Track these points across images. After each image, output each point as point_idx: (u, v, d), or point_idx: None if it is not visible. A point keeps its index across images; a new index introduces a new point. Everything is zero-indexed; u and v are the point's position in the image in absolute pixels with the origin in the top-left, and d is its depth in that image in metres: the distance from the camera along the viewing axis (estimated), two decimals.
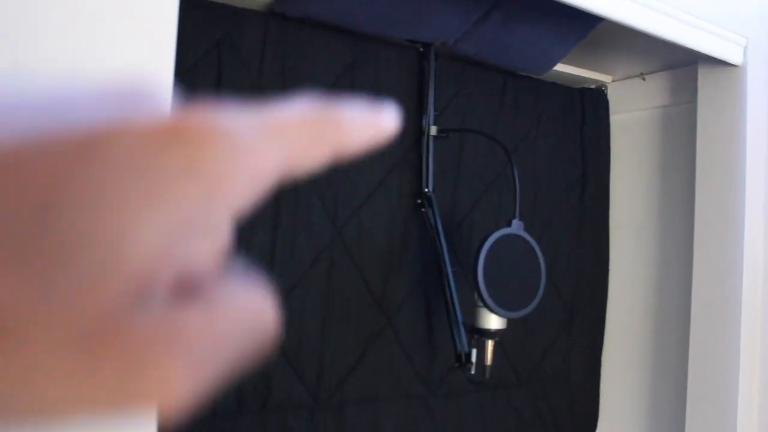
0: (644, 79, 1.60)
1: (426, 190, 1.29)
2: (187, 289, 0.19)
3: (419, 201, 1.29)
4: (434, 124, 1.30)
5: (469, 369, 1.16)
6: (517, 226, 1.13)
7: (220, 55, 1.11)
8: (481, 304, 1.11)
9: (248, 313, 0.20)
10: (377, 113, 0.24)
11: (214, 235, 0.20)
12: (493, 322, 1.14)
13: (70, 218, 0.16)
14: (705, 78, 1.40)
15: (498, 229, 1.11)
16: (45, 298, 0.16)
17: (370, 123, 0.23)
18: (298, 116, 0.21)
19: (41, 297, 0.15)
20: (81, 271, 0.16)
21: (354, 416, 1.24)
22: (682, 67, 1.52)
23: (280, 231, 1.16)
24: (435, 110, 1.32)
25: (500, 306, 1.09)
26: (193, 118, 0.18)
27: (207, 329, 0.18)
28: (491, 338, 1.15)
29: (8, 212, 0.16)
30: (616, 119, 1.66)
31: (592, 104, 1.63)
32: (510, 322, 1.40)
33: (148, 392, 0.17)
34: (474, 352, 1.16)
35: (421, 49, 1.32)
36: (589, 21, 1.28)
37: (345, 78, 1.24)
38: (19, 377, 0.16)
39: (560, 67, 1.53)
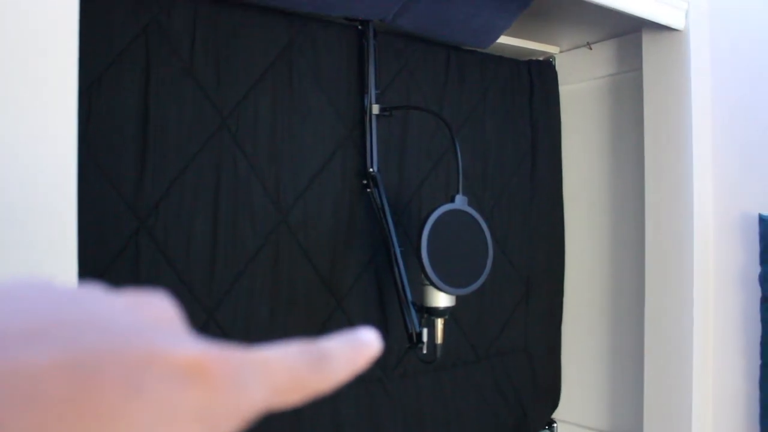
0: (590, 49, 1.58)
1: (371, 169, 1.27)
2: None
3: (365, 181, 1.27)
4: (376, 103, 1.28)
5: (421, 349, 1.14)
6: (460, 201, 1.11)
7: (147, 41, 1.07)
8: (427, 282, 1.09)
9: None
10: (359, 345, 0.26)
11: None
12: (442, 300, 1.12)
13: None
14: (649, 44, 1.39)
15: (441, 205, 1.09)
16: None
17: (353, 357, 0.25)
18: (287, 359, 0.23)
19: None
20: None
21: (308, 402, 1.22)
22: (627, 34, 1.52)
23: (220, 218, 1.13)
24: (377, 88, 1.29)
25: (447, 283, 1.07)
26: (211, 358, 0.20)
27: None
28: (440, 316, 1.14)
29: (76, 413, 0.17)
30: (564, 90, 1.65)
31: (540, 76, 1.61)
32: (466, 299, 1.39)
33: None
34: (425, 331, 1.14)
35: (359, 27, 1.29)
36: None
37: (282, 60, 1.21)
38: None
39: (506, 40, 1.51)
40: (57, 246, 0.70)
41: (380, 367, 1.32)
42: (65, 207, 0.70)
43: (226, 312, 1.14)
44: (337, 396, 1.26)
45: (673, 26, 1.33)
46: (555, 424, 1.67)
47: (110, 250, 1.04)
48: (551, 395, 1.64)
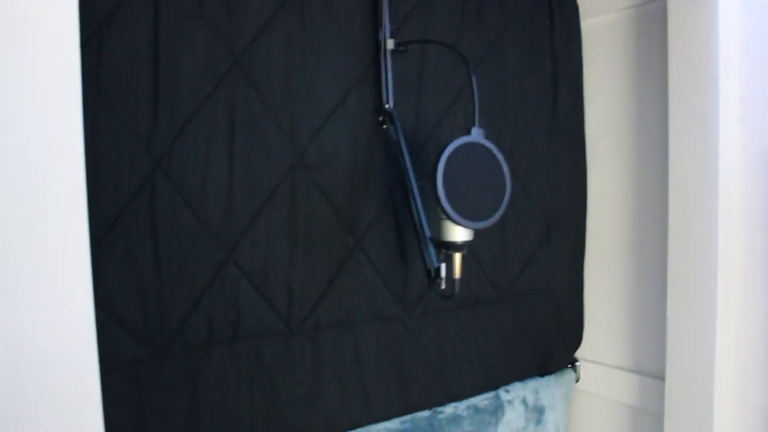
0: None
1: (387, 106, 1.25)
2: None
3: (381, 118, 1.26)
4: (391, 38, 1.25)
5: (439, 284, 1.14)
6: (477, 134, 1.09)
7: None
8: (443, 216, 1.08)
9: None
10: None
11: None
12: (459, 234, 1.11)
13: None
14: None
15: (457, 137, 1.07)
16: None
17: None
18: None
19: None
20: None
21: (330, 341, 1.23)
22: None
23: (236, 157, 1.12)
24: (392, 24, 1.27)
25: (464, 217, 1.06)
26: None
27: None
28: (458, 251, 1.13)
29: None
30: (586, 24, 1.61)
31: (561, 9, 1.57)
32: (487, 238, 1.38)
33: None
34: (443, 266, 1.14)
35: None
36: None
37: None
38: None
39: None
40: (65, 195, 0.70)
41: (401, 305, 1.32)
42: (72, 153, 0.70)
43: (245, 252, 1.14)
44: (356, 334, 1.27)
45: None
46: (577, 363, 1.67)
47: (127, 191, 1.04)
48: (574, 334, 1.64)
